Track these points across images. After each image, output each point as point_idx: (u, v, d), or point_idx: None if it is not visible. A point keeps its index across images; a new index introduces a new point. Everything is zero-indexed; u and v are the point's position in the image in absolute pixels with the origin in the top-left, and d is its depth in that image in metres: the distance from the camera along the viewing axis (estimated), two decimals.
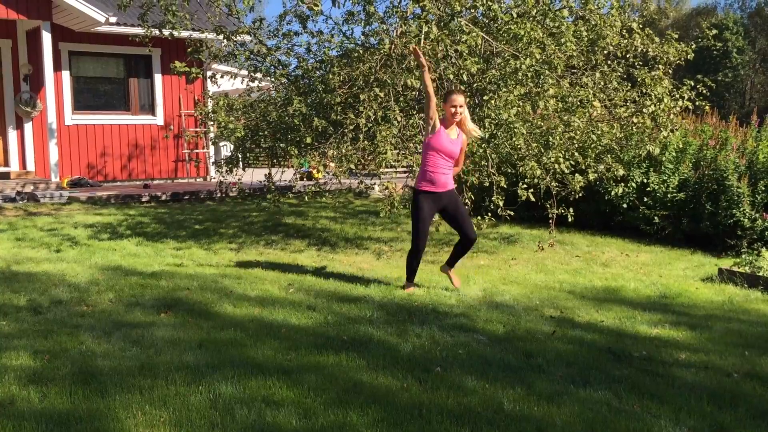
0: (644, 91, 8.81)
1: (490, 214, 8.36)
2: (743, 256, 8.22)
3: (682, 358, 4.80)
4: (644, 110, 8.49)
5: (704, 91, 9.19)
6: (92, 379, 3.98)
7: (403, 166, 8.78)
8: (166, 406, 3.63)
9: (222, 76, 9.95)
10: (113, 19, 12.73)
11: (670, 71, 9.19)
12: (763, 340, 5.38)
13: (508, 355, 4.64)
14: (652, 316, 5.98)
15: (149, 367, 4.17)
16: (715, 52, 40.81)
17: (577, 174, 8.63)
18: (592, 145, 8.71)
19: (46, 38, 12.48)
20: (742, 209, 9.41)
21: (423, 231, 6.30)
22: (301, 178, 9.49)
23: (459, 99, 6.19)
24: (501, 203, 8.14)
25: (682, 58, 9.14)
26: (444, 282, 6.86)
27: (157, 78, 15.12)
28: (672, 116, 8.80)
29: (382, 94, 7.67)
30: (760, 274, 7.52)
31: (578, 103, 8.31)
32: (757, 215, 9.41)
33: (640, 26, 9.21)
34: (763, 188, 9.62)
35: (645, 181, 10.23)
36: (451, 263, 6.69)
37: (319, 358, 4.43)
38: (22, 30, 13.56)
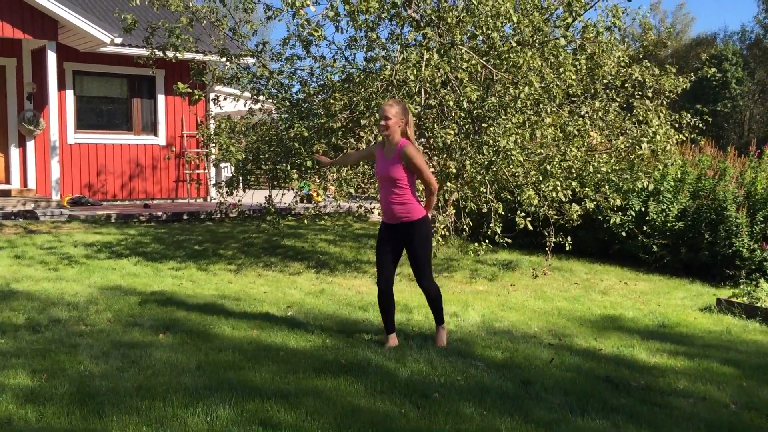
0: (640, 120, 8.90)
1: (487, 240, 8.39)
2: (741, 286, 8.24)
3: (681, 388, 4.79)
4: (637, 149, 8.57)
5: (701, 126, 9.28)
6: (90, 399, 3.97)
7: None
8: (164, 428, 3.63)
9: (225, 98, 10.00)
10: (118, 40, 12.83)
11: (665, 102, 9.27)
12: (762, 372, 5.37)
13: (506, 382, 4.63)
14: (650, 345, 5.98)
15: (147, 388, 4.17)
16: (714, 83, 41.09)
17: (574, 203, 8.68)
18: (589, 176, 8.77)
19: (51, 58, 12.57)
20: (740, 239, 9.44)
21: (379, 264, 5.31)
22: (301, 201, 9.50)
23: (383, 110, 5.11)
24: (499, 230, 8.17)
25: (680, 90, 9.24)
26: (443, 307, 6.84)
27: (160, 99, 15.21)
28: (668, 146, 8.86)
29: None
30: (758, 304, 7.53)
31: (576, 133, 8.38)
32: (756, 246, 9.43)
33: (638, 55, 9.31)
34: (762, 219, 9.66)
35: (644, 209, 10.27)
36: (436, 320, 5.54)
37: (317, 382, 4.42)
38: (28, 49, 13.66)
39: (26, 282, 7.22)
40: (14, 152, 13.78)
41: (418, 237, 5.18)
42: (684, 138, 9.19)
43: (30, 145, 13.83)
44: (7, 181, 13.80)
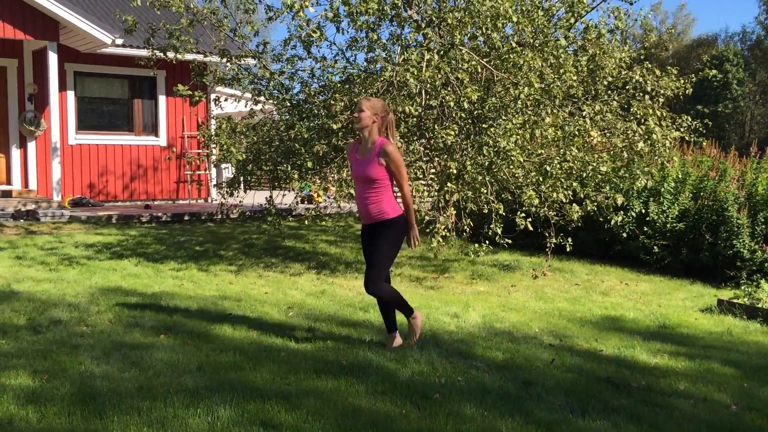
0: (638, 118, 8.90)
1: (488, 241, 8.39)
2: (742, 287, 8.24)
3: (681, 389, 4.79)
4: (634, 147, 8.58)
5: (701, 128, 9.30)
6: (91, 399, 3.97)
7: None
8: (165, 429, 3.63)
9: (226, 99, 10.01)
10: (119, 41, 12.85)
11: (661, 100, 9.28)
12: (762, 372, 5.37)
13: (507, 383, 4.63)
14: (651, 345, 5.98)
15: (148, 389, 4.17)
16: (715, 84, 41.13)
17: (574, 204, 8.68)
18: (589, 176, 8.77)
19: (52, 59, 12.59)
20: (741, 240, 9.44)
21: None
22: (302, 202, 9.51)
23: (359, 104, 5.04)
24: (499, 231, 8.17)
25: (680, 92, 9.25)
26: (444, 308, 6.86)
27: (161, 99, 15.22)
28: (666, 143, 8.86)
29: None
30: (759, 305, 7.53)
31: (576, 133, 8.38)
32: (757, 246, 9.43)
33: (639, 56, 9.32)
34: (763, 219, 9.66)
35: (644, 210, 10.27)
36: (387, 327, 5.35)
37: (318, 383, 4.42)
38: (29, 50, 13.68)
39: (27, 283, 7.23)
40: (15, 153, 13.80)
41: (386, 235, 5.01)
42: (683, 136, 9.20)
43: (31, 145, 13.84)
44: (9, 181, 13.82)
